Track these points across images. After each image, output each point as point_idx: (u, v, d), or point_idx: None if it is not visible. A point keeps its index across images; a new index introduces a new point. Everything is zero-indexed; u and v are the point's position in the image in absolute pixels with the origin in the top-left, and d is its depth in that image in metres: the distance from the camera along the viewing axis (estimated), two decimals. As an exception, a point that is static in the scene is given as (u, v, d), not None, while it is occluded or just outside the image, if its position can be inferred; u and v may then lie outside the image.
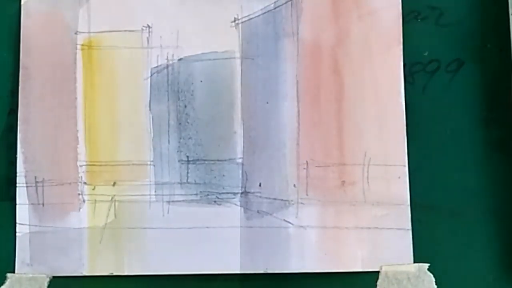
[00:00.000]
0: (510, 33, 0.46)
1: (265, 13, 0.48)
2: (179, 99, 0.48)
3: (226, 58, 0.48)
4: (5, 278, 0.47)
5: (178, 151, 0.47)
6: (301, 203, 0.46)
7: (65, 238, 0.47)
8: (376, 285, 0.45)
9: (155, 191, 0.47)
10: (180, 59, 0.48)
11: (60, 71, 0.48)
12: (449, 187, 0.47)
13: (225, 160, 0.47)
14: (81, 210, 0.47)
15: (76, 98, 0.48)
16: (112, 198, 0.47)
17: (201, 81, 0.48)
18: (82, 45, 0.48)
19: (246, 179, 0.47)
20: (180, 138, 0.48)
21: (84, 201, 0.47)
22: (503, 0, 0.47)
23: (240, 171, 0.47)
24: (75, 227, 0.47)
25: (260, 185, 0.47)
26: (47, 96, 0.48)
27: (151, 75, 0.48)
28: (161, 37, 0.48)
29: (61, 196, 0.47)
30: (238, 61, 0.48)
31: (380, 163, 0.46)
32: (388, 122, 0.46)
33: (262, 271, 0.46)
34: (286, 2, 0.47)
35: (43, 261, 0.47)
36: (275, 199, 0.47)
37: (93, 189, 0.47)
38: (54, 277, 0.47)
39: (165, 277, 0.47)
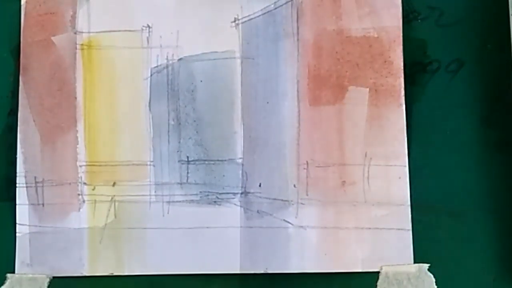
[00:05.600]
0: (510, 33, 0.46)
1: (265, 13, 0.48)
2: (179, 99, 0.48)
3: (226, 58, 0.48)
4: (5, 278, 0.47)
5: (178, 151, 0.47)
6: (301, 203, 0.46)
7: (65, 238, 0.47)
8: (376, 286, 0.45)
9: (155, 191, 0.47)
10: (180, 59, 0.48)
11: (60, 71, 0.48)
12: (449, 187, 0.47)
13: (225, 160, 0.47)
14: (81, 210, 0.47)
15: (76, 98, 0.48)
16: (112, 198, 0.47)
17: (201, 81, 0.48)
18: (82, 45, 0.48)
19: (246, 179, 0.47)
20: (180, 138, 0.48)
21: (84, 201, 0.47)
22: (503, 0, 0.47)
23: (240, 171, 0.47)
24: (75, 227, 0.47)
25: (260, 185, 0.47)
26: (47, 96, 0.48)
27: (151, 75, 0.48)
28: (161, 37, 0.48)
29: (61, 197, 0.47)
30: (238, 61, 0.48)
31: (380, 163, 0.46)
32: (388, 122, 0.46)
33: (262, 271, 0.46)
34: (286, 2, 0.47)
35: (43, 261, 0.47)
36: (275, 199, 0.47)
37: (93, 189, 0.47)
38: (54, 277, 0.47)
39: (165, 277, 0.47)
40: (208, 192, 0.47)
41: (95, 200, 0.47)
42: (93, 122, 0.48)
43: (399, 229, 0.45)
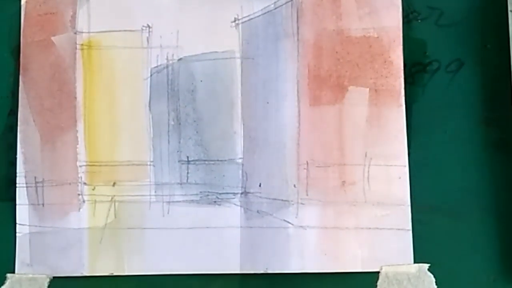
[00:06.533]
0: (509, 34, 0.46)
1: (265, 13, 0.48)
2: (179, 99, 0.48)
3: (226, 58, 0.48)
4: (5, 278, 0.47)
5: (178, 151, 0.47)
6: (301, 203, 0.46)
7: (65, 238, 0.47)
8: (376, 286, 0.45)
9: (155, 192, 0.47)
10: (180, 59, 0.48)
11: (60, 71, 0.48)
12: (449, 187, 0.47)
13: (225, 160, 0.47)
14: (81, 210, 0.47)
15: (76, 98, 0.48)
16: (112, 198, 0.47)
17: (201, 81, 0.48)
18: (82, 45, 0.48)
19: (246, 179, 0.47)
20: (180, 138, 0.48)
21: (84, 201, 0.47)
22: (503, 0, 0.47)
23: (240, 171, 0.47)
24: (75, 227, 0.47)
25: (260, 185, 0.47)
26: (47, 96, 0.48)
27: (151, 75, 0.48)
28: (161, 37, 0.48)
29: (61, 197, 0.47)
30: (238, 61, 0.48)
31: (380, 163, 0.46)
32: (388, 122, 0.46)
33: (262, 271, 0.46)
34: (286, 2, 0.47)
35: (43, 262, 0.47)
36: (275, 199, 0.47)
37: (93, 190, 0.47)
38: (54, 277, 0.47)
39: (165, 277, 0.47)
40: (208, 192, 0.47)
41: (95, 200, 0.47)
42: (93, 122, 0.48)
43: (399, 229, 0.45)
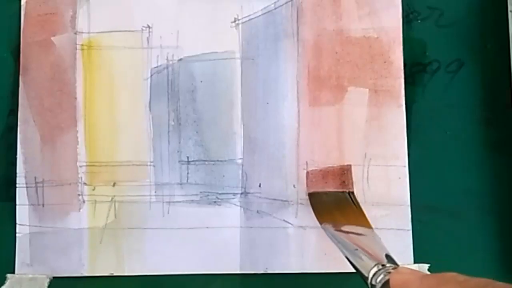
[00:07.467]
0: (509, 33, 0.46)
1: (265, 13, 0.48)
2: (179, 100, 0.48)
3: (226, 59, 0.48)
4: (5, 278, 0.47)
5: (178, 152, 0.47)
6: (301, 203, 0.46)
7: (65, 238, 0.47)
8: (376, 286, 0.45)
9: (155, 192, 0.47)
10: (180, 59, 0.48)
11: (60, 71, 0.48)
12: (449, 187, 0.47)
13: (225, 161, 0.47)
14: (81, 210, 0.47)
15: (76, 98, 0.48)
16: (112, 198, 0.47)
17: (201, 81, 0.48)
18: (82, 45, 0.48)
19: (246, 180, 0.47)
20: (180, 139, 0.47)
21: (84, 201, 0.47)
22: (503, 0, 0.47)
23: (240, 172, 0.47)
24: (75, 227, 0.47)
25: (260, 185, 0.47)
26: (47, 97, 0.48)
27: (151, 75, 0.48)
28: (161, 37, 0.48)
29: (61, 197, 0.47)
30: (238, 62, 0.48)
31: (380, 163, 0.46)
32: (388, 122, 0.46)
33: (262, 271, 0.46)
34: (286, 2, 0.47)
35: (43, 262, 0.47)
36: (274, 199, 0.47)
37: (93, 190, 0.47)
38: (54, 277, 0.47)
39: (165, 277, 0.47)
40: (208, 192, 0.47)
41: (95, 200, 0.47)
42: (93, 122, 0.48)
43: (399, 229, 0.45)
